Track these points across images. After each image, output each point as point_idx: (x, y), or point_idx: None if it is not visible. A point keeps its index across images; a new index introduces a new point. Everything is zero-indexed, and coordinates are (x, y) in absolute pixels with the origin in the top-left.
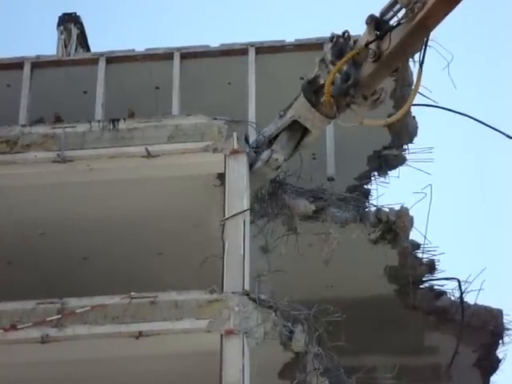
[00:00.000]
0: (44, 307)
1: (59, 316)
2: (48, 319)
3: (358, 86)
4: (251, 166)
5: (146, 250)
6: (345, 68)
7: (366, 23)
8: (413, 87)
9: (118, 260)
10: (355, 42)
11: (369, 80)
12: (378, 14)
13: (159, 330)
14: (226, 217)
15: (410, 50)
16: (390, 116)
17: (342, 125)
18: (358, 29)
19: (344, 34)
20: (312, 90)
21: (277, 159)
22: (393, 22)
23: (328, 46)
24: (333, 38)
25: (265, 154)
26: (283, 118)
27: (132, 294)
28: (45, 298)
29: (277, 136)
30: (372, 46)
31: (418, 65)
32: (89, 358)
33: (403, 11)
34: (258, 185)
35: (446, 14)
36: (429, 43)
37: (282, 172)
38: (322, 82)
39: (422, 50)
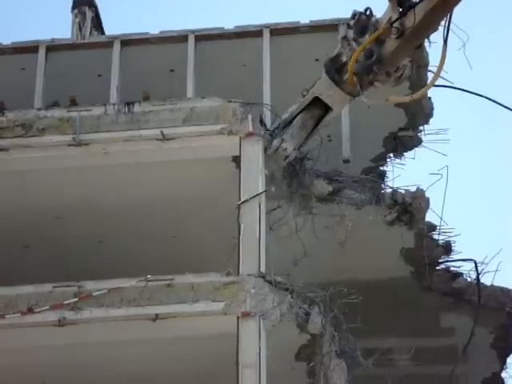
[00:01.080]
0: (61, 290)
1: (76, 299)
2: (65, 302)
3: (382, 63)
4: (266, 148)
5: (161, 232)
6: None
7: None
8: (429, 68)
9: (133, 243)
10: (377, 19)
11: (392, 56)
12: None
13: (176, 313)
14: (242, 200)
15: (433, 26)
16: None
17: (367, 102)
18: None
19: (366, 10)
20: (334, 68)
21: (286, 149)
22: None
23: (350, 23)
24: (355, 15)
25: (275, 143)
26: (305, 97)
27: (148, 276)
28: (61, 281)
29: (295, 118)
30: (396, 23)
31: (433, 45)
32: (105, 340)
33: None
34: (273, 168)
35: None
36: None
37: (302, 152)
38: (344, 59)
39: (446, 27)
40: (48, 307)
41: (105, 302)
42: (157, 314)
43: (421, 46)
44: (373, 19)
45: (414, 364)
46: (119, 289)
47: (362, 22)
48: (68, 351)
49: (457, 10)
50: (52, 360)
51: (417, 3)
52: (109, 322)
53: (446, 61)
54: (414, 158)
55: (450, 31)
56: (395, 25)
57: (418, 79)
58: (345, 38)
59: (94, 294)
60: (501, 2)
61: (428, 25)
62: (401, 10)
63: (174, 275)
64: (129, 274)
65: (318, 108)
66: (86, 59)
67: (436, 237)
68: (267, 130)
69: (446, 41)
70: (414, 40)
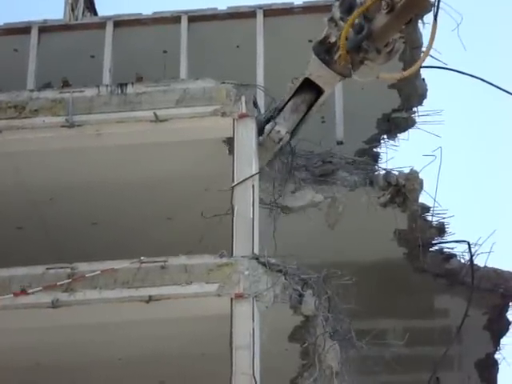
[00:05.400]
0: (54, 272)
1: (69, 280)
2: (58, 283)
3: (371, 39)
4: (260, 130)
5: (155, 214)
6: (356, 21)
7: None
8: (423, 49)
9: (127, 225)
10: None
11: (382, 32)
12: None
13: (169, 295)
14: (236, 182)
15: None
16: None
17: (358, 80)
18: None
19: None
20: (324, 50)
21: (279, 131)
22: None
23: (336, 5)
24: None
25: (268, 126)
26: (296, 80)
27: (142, 258)
28: (55, 263)
29: (286, 103)
30: None
31: (427, 27)
32: (99, 322)
33: None
34: (265, 158)
35: None
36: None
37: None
38: (333, 40)
39: (436, 2)
40: (41, 288)
41: (98, 284)
42: (150, 296)
43: (411, 21)
44: None
45: (407, 345)
46: (113, 270)
47: (347, 1)
48: (61, 333)
49: None
50: (45, 341)
51: None
52: (102, 303)
53: (436, 36)
54: (407, 140)
55: (440, 7)
56: None
57: (413, 61)
58: (331, 19)
59: (88, 275)
60: None
61: None
62: None
63: (168, 257)
64: (123, 255)
65: (310, 92)
66: (78, 40)
67: (429, 218)
68: (263, 117)
69: (436, 16)
70: (404, 15)
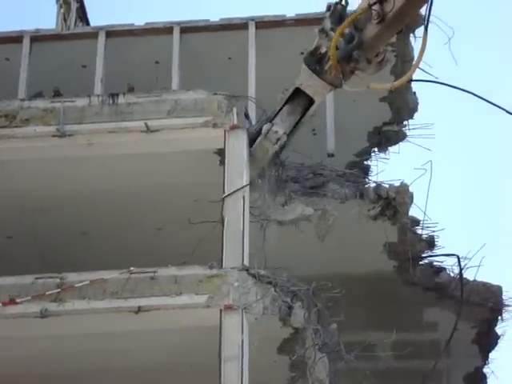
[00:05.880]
0: (43, 282)
1: (58, 290)
2: (47, 293)
3: (362, 48)
4: (251, 141)
5: (145, 225)
6: (347, 31)
7: None
8: (414, 62)
9: (117, 235)
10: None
11: (373, 42)
12: None
13: (158, 305)
14: (226, 193)
15: (414, 10)
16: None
17: (349, 90)
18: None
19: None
20: (314, 61)
21: (276, 131)
22: None
23: (326, 16)
24: (330, 7)
25: (264, 127)
26: (287, 91)
27: (131, 269)
28: (44, 272)
29: (278, 113)
30: (376, 7)
31: (418, 40)
32: (88, 332)
33: None
34: (259, 165)
35: None
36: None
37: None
38: (323, 50)
39: (427, 13)
40: (30, 298)
41: (87, 294)
42: (139, 307)
43: (401, 32)
44: (348, 8)
45: (396, 358)
46: (102, 281)
47: (337, 11)
48: (50, 343)
49: (441, 2)
50: (34, 351)
51: None
52: (91, 313)
53: (427, 49)
54: (398, 153)
55: (431, 21)
56: (374, 8)
57: (404, 74)
58: (322, 30)
59: (77, 285)
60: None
61: (409, 9)
62: None
63: (157, 268)
64: (113, 265)
65: (304, 98)
66: (70, 50)
67: (419, 231)
68: (254, 129)
69: (426, 27)
70: (395, 25)
